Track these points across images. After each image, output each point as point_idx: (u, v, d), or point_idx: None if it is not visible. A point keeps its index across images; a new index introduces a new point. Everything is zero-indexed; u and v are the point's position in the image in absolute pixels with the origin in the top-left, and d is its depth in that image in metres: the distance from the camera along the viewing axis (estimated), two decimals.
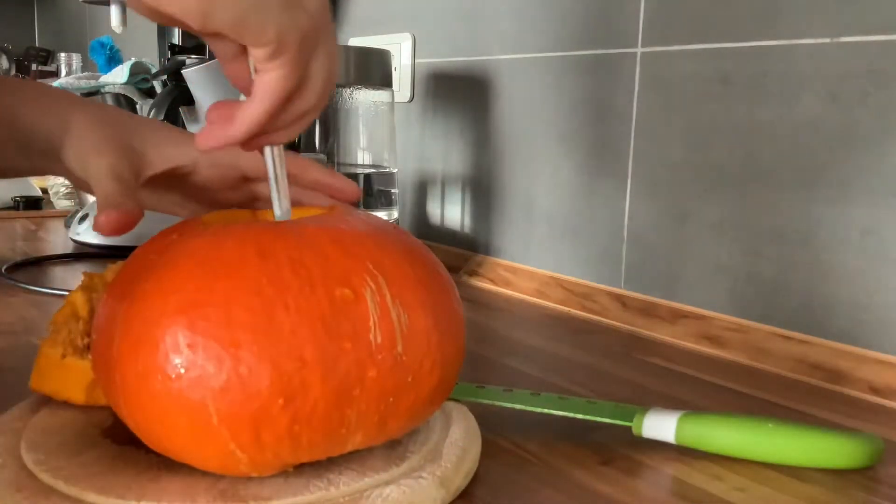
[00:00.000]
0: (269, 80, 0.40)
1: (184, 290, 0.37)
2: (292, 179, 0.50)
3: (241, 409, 0.36)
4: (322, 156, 0.99)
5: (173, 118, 1.07)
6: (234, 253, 0.38)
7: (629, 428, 0.49)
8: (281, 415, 0.36)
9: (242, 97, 0.43)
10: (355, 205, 0.61)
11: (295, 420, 0.36)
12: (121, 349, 0.37)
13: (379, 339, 0.38)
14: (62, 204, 1.45)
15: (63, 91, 0.56)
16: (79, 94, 1.16)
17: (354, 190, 0.53)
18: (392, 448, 0.43)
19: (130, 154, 0.51)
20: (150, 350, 0.36)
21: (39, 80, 1.53)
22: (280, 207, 0.45)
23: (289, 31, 0.39)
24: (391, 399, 0.38)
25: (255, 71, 0.40)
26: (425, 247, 0.44)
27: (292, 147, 0.93)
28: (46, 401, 0.49)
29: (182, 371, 0.36)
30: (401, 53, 1.11)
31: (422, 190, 1.11)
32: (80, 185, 0.54)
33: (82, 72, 1.78)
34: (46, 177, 1.48)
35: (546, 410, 0.51)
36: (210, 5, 0.36)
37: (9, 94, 0.54)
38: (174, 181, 0.54)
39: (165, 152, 0.52)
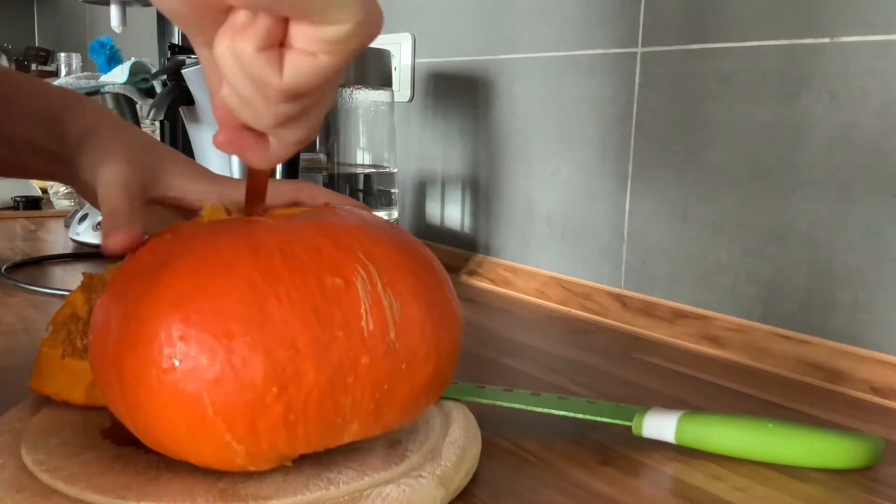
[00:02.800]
0: (324, 66, 0.33)
1: (178, 287, 0.37)
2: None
3: (236, 400, 0.36)
4: (322, 156, 0.99)
5: (173, 118, 1.07)
6: (227, 250, 0.38)
7: (629, 428, 0.49)
8: (275, 404, 0.36)
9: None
10: None
11: (290, 409, 0.36)
12: (117, 347, 0.38)
13: (371, 327, 0.38)
14: (62, 204, 1.45)
15: (98, 104, 0.56)
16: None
17: (366, 209, 0.52)
18: (392, 447, 0.44)
19: (144, 171, 0.50)
20: (146, 345, 0.36)
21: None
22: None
23: (371, 13, 0.33)
24: (386, 387, 0.39)
25: (300, 49, 0.33)
26: (420, 242, 0.44)
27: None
28: (46, 401, 0.49)
29: (176, 363, 0.36)
30: (401, 53, 1.11)
31: (422, 190, 1.11)
32: (85, 195, 0.54)
33: (82, 71, 1.78)
34: None
35: (546, 410, 0.51)
36: None
37: (47, 101, 0.55)
38: (175, 209, 0.54)
39: (178, 182, 0.52)
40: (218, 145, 0.38)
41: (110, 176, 0.49)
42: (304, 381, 0.36)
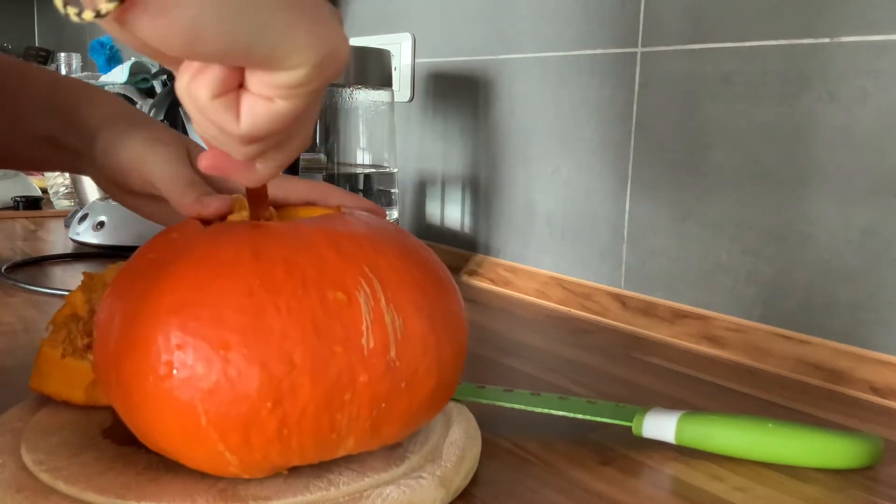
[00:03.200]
0: (281, 111, 0.32)
1: (178, 289, 0.37)
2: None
3: (230, 411, 0.35)
4: (322, 156, 0.99)
5: (173, 118, 1.07)
6: (229, 253, 0.38)
7: (629, 428, 0.49)
8: (269, 417, 0.36)
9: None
10: None
11: (284, 423, 0.36)
12: (117, 348, 0.38)
13: (371, 344, 0.37)
14: (62, 204, 1.45)
15: (116, 97, 0.56)
16: None
17: (379, 211, 0.51)
18: (392, 448, 0.43)
19: (187, 147, 0.51)
20: (144, 350, 0.36)
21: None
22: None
23: (330, 54, 0.32)
24: (384, 405, 0.38)
25: (255, 94, 0.33)
26: (428, 248, 0.44)
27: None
28: (46, 401, 0.49)
29: (173, 371, 0.36)
30: (401, 53, 1.11)
31: (422, 190, 1.11)
32: (105, 181, 0.54)
33: (82, 71, 1.78)
34: (46, 176, 1.48)
35: (546, 410, 0.51)
36: (238, 16, 0.29)
37: (63, 93, 0.55)
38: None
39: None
40: (204, 169, 0.37)
41: (165, 152, 0.49)
42: (299, 396, 0.36)
